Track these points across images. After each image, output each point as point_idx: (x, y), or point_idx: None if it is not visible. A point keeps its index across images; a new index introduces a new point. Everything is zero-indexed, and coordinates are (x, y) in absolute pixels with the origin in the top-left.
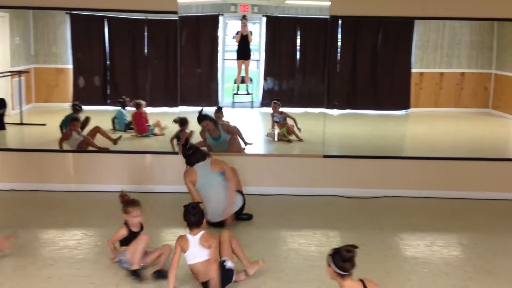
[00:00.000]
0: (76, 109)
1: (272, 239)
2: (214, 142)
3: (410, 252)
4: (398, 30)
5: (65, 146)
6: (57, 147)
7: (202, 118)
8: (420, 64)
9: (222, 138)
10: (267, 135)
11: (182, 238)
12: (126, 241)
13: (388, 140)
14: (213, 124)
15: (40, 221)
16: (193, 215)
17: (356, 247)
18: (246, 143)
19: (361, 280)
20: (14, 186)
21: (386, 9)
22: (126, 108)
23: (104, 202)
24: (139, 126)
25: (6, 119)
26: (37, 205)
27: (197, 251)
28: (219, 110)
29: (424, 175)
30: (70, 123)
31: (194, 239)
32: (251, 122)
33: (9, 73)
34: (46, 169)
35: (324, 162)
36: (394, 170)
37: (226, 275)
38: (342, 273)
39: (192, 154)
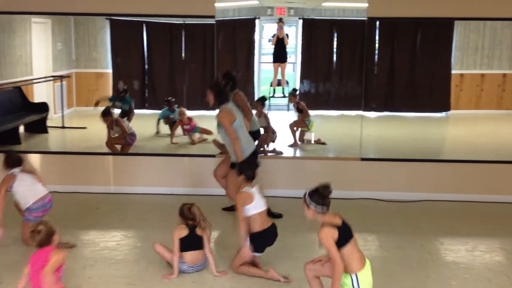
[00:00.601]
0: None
1: (309, 242)
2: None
3: (450, 257)
4: (437, 31)
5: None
6: (98, 150)
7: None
8: (460, 66)
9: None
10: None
11: (243, 193)
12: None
13: (428, 142)
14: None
15: (81, 222)
16: (252, 169)
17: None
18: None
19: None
20: (56, 188)
21: (424, 10)
22: (171, 108)
23: (142, 204)
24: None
25: (48, 123)
26: (78, 207)
27: (259, 201)
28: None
29: (465, 179)
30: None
31: (255, 191)
32: (287, 125)
33: (52, 78)
34: (87, 172)
35: (362, 165)
36: (433, 173)
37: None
38: (322, 211)
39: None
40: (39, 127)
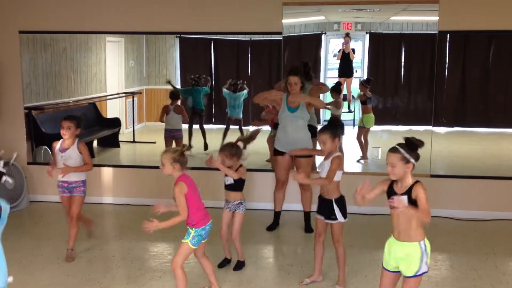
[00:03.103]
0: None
1: (377, 260)
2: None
3: None
4: None
5: None
6: None
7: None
8: None
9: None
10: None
11: (341, 156)
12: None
13: (502, 159)
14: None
15: (150, 235)
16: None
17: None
18: None
19: None
20: (127, 201)
21: (498, 23)
22: None
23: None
24: None
25: (120, 137)
26: (146, 219)
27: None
28: None
29: None
30: None
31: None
32: (352, 140)
33: (124, 94)
34: (156, 185)
35: (431, 181)
36: (508, 191)
37: None
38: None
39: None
40: (112, 141)
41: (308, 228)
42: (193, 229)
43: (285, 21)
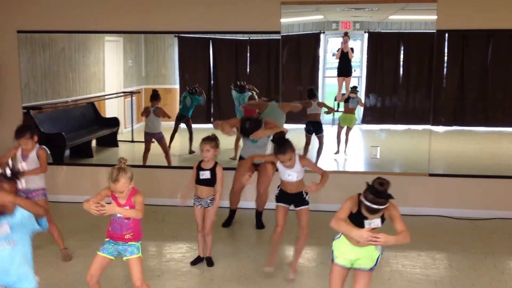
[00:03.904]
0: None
1: None
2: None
3: None
4: (511, 43)
5: None
6: (165, 164)
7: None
8: None
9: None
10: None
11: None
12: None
13: (501, 158)
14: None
15: (149, 234)
16: None
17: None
18: None
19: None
20: None
21: (496, 22)
22: None
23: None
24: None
25: (119, 137)
26: (145, 218)
27: None
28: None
29: None
30: None
31: None
32: (351, 140)
33: (122, 94)
34: (154, 184)
35: (430, 180)
36: (507, 190)
37: None
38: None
39: None
40: (110, 141)
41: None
42: (139, 242)
43: (283, 20)
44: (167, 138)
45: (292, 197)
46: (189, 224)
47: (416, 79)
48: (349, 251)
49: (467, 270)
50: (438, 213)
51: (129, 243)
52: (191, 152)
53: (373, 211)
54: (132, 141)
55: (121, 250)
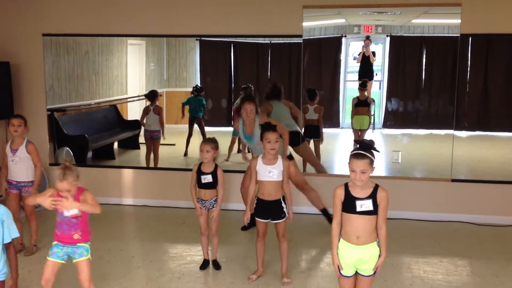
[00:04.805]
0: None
1: (396, 265)
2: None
3: None
4: None
5: None
6: (184, 166)
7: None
8: None
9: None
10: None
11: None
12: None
13: None
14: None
15: (169, 236)
16: None
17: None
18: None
19: None
20: (146, 202)
21: None
22: None
23: (228, 219)
24: None
25: (140, 139)
26: (166, 221)
27: None
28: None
29: None
30: None
31: None
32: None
33: (144, 97)
34: (175, 187)
35: (452, 186)
36: None
37: None
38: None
39: None
40: (132, 143)
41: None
42: (88, 243)
43: (305, 24)
44: (183, 143)
45: (269, 207)
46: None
47: (439, 84)
48: (350, 253)
49: (490, 277)
50: (460, 219)
51: (78, 244)
52: None
53: (358, 156)
54: None
55: (70, 253)
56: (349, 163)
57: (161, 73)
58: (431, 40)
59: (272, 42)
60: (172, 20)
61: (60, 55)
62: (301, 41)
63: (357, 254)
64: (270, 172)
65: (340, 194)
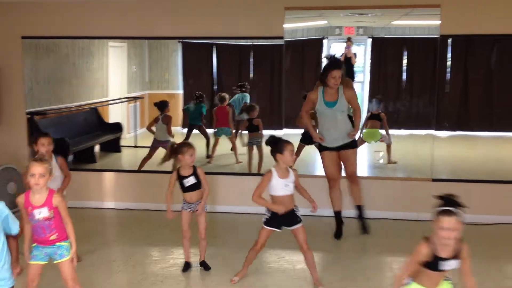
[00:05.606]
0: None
1: (378, 264)
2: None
3: None
4: None
5: None
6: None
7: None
8: None
9: None
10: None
11: None
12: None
13: (505, 163)
14: None
15: (152, 239)
16: None
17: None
18: None
19: None
20: (128, 205)
21: (500, 27)
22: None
23: (214, 222)
24: (221, 119)
25: (122, 142)
26: (148, 224)
27: None
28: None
29: None
30: None
31: None
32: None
33: (126, 99)
34: (157, 190)
35: (433, 186)
36: (511, 195)
37: None
38: None
39: None
40: (113, 146)
41: (365, 228)
42: (68, 241)
43: (286, 25)
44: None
45: (283, 219)
46: (193, 229)
47: (420, 84)
48: None
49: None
50: None
51: (57, 244)
52: (208, 156)
53: (449, 213)
54: (135, 146)
55: (51, 254)
56: (435, 221)
57: (143, 75)
58: (412, 41)
59: (254, 44)
60: (154, 22)
61: (39, 58)
62: (283, 43)
63: None
64: (286, 186)
65: (426, 254)
